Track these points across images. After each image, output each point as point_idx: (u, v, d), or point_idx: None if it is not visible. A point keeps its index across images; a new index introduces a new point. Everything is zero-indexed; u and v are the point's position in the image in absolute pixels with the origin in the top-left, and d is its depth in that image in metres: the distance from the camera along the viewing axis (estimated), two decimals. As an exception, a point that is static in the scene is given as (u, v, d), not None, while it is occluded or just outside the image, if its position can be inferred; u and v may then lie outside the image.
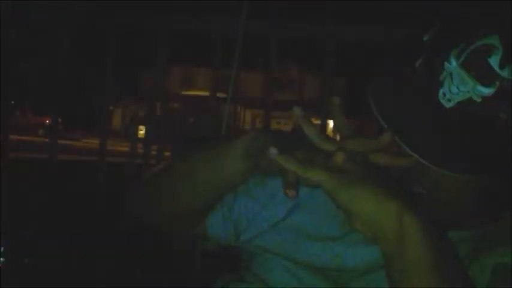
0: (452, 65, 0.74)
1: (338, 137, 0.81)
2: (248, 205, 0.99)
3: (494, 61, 0.72)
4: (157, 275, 3.48)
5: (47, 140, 4.76)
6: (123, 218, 4.46)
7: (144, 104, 5.68)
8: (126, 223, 4.45)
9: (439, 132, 0.73)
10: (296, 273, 0.91)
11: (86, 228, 3.90)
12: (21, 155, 8.87)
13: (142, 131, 4.82)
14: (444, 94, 0.74)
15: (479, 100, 0.73)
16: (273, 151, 0.76)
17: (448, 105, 0.74)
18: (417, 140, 0.73)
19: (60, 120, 9.66)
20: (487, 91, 0.72)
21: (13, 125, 13.12)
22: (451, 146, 0.72)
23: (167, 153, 4.67)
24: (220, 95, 4.07)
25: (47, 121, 23.01)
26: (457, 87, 0.73)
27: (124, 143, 9.41)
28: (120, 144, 10.51)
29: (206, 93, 4.96)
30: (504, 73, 0.72)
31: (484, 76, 0.72)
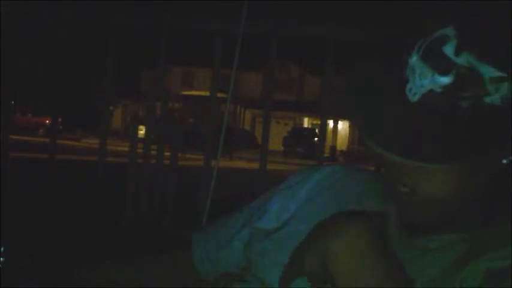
0: (414, 59, 0.75)
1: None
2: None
3: (448, 49, 0.73)
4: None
5: (47, 140, 4.77)
6: (123, 218, 4.47)
7: (144, 104, 5.68)
8: (126, 223, 4.46)
9: (405, 126, 0.74)
10: None
11: (86, 228, 3.90)
12: (21, 155, 8.87)
13: (142, 131, 4.83)
14: (410, 89, 0.75)
15: (439, 90, 0.73)
16: None
17: (414, 99, 0.74)
18: (383, 134, 0.73)
19: (60, 120, 9.66)
20: (445, 80, 0.73)
21: (13, 125, 13.11)
22: (417, 138, 0.72)
23: (167, 153, 4.67)
24: (220, 95, 4.07)
25: (47, 121, 23.00)
26: (419, 79, 0.74)
27: (124, 143, 9.42)
28: (120, 144, 10.51)
29: (206, 93, 4.97)
30: (461, 60, 0.72)
31: (440, 65, 0.73)
